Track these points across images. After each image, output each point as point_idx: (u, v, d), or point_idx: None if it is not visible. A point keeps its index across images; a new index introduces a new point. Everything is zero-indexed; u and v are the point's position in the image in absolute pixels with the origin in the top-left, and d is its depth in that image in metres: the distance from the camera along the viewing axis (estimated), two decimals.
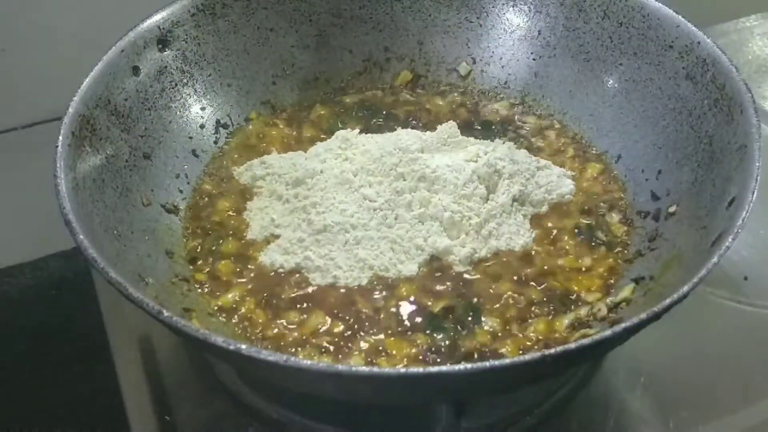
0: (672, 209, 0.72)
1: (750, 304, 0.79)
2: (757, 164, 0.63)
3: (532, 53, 0.88)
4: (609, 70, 0.83)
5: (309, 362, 0.53)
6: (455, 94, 0.90)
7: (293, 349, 0.66)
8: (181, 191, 0.78)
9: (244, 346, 0.52)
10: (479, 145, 0.80)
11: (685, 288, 0.56)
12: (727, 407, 0.72)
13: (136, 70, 0.77)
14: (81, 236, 0.59)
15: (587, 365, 0.74)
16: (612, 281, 0.71)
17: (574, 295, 0.70)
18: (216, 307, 0.69)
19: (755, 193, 0.61)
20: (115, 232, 0.67)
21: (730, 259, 0.77)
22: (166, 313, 0.54)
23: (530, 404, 0.71)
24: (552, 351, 0.51)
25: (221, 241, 0.74)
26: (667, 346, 0.74)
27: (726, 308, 0.78)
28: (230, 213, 0.77)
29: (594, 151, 0.82)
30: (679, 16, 0.77)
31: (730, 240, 0.58)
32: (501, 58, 0.89)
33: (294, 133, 0.86)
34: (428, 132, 0.82)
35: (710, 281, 0.74)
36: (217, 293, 0.70)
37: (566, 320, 0.68)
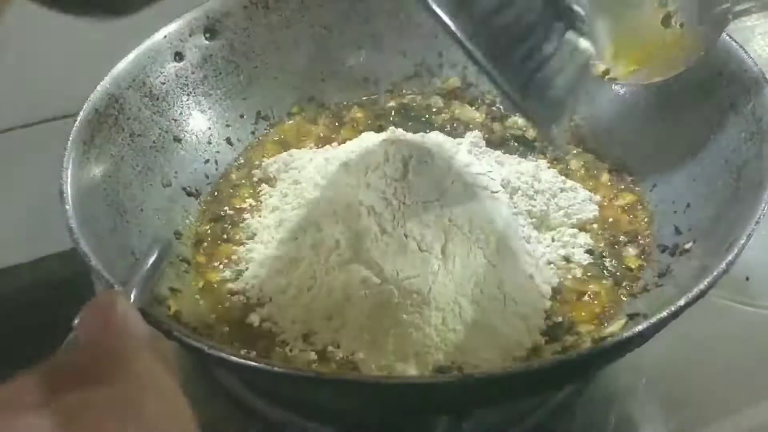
0: (688, 246, 0.67)
1: (752, 305, 0.76)
2: (763, 206, 0.58)
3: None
4: (659, 94, 0.78)
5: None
6: (500, 106, 0.87)
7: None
8: (207, 176, 0.80)
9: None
10: (504, 157, 0.78)
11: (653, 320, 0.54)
12: (729, 408, 0.70)
13: (178, 56, 0.80)
14: (68, 206, 0.63)
15: None
16: (611, 313, 0.67)
17: (568, 324, 0.67)
18: (202, 285, 0.71)
19: (750, 238, 0.56)
20: (121, 208, 0.70)
21: None
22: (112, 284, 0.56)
23: (530, 406, 0.70)
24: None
25: (231, 228, 0.76)
26: (668, 346, 0.70)
27: (727, 309, 0.76)
28: (250, 202, 0.79)
29: (629, 179, 0.78)
30: (732, 41, 0.72)
31: (705, 283, 0.54)
32: None
33: (332, 134, 0.86)
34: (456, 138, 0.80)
35: None
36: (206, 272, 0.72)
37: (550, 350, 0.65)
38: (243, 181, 0.81)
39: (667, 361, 0.72)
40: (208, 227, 0.76)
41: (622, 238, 0.73)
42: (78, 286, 0.79)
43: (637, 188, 0.77)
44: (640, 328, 0.54)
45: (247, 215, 0.77)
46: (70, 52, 0.88)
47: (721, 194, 0.67)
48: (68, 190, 0.64)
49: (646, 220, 0.74)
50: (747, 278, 0.77)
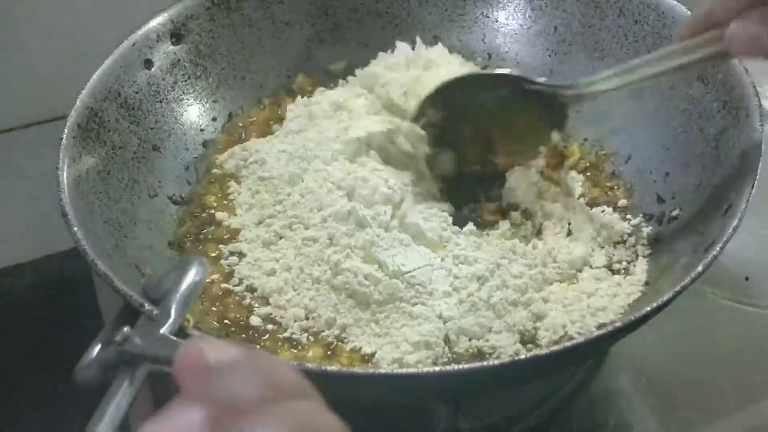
0: (675, 213, 0.71)
1: (751, 305, 0.78)
2: (756, 172, 0.62)
3: (547, 49, 0.87)
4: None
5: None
6: None
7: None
8: (189, 183, 0.79)
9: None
10: None
11: (666, 297, 0.55)
12: (728, 408, 0.72)
13: (148, 63, 0.79)
14: (75, 228, 0.61)
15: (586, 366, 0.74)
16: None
17: None
18: None
19: (749, 202, 0.59)
20: (116, 224, 0.69)
21: (732, 260, 0.77)
22: (147, 307, 0.56)
23: (530, 405, 0.71)
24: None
25: (210, 228, 0.75)
26: (667, 346, 0.74)
27: (727, 309, 0.78)
28: (221, 201, 0.78)
29: (604, 152, 0.81)
30: (689, 12, 0.75)
31: (717, 249, 0.57)
32: (517, 54, 0.88)
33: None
34: None
35: (711, 281, 0.76)
36: None
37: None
38: (212, 180, 0.80)
39: (667, 361, 0.73)
40: (186, 228, 0.75)
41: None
42: (78, 286, 0.83)
43: (611, 161, 0.80)
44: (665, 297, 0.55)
45: (221, 214, 0.76)
46: (70, 52, 0.87)
47: (701, 162, 0.71)
48: (71, 212, 0.63)
49: (623, 191, 0.78)
50: (747, 278, 0.79)
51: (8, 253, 0.89)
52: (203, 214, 0.76)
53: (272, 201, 0.75)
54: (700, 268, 0.56)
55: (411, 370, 0.60)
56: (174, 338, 0.50)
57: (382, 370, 0.61)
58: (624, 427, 0.71)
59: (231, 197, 0.78)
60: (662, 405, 0.71)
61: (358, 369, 0.62)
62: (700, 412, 0.71)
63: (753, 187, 0.60)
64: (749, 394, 0.72)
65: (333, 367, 0.59)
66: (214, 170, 0.80)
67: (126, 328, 0.48)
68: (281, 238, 0.72)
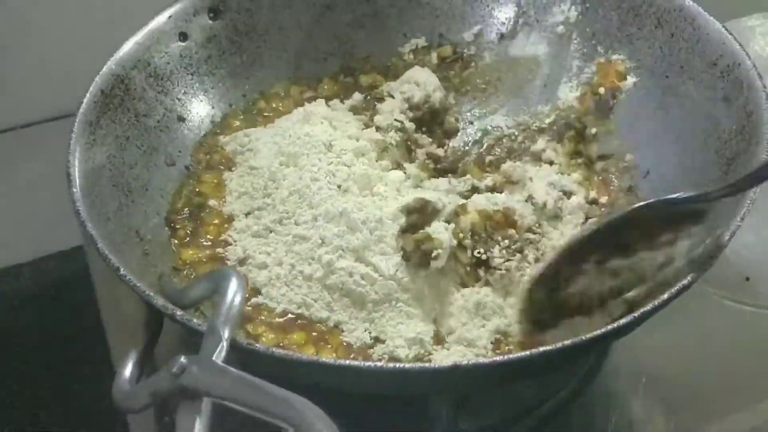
0: None
1: (752, 305, 0.77)
2: (748, 203, 0.60)
3: (584, 55, 0.85)
4: (655, 82, 0.79)
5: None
6: None
7: None
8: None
9: None
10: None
11: (664, 297, 0.56)
12: (729, 408, 0.71)
13: (183, 36, 0.81)
14: (75, 189, 0.64)
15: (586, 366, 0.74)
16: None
17: None
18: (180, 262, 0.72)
19: (738, 229, 0.58)
20: (126, 188, 0.72)
21: (732, 260, 0.75)
22: (122, 271, 0.58)
23: (531, 405, 0.72)
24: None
25: (205, 210, 0.77)
26: (668, 346, 0.74)
27: (728, 309, 0.77)
28: (216, 185, 0.79)
29: (625, 164, 0.79)
30: (728, 34, 0.73)
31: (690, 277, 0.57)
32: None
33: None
34: None
35: (712, 281, 0.75)
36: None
37: None
38: (210, 164, 0.81)
39: (667, 361, 0.73)
40: (179, 206, 0.77)
41: None
42: (78, 286, 0.84)
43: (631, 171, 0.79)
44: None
45: (213, 201, 0.77)
46: (70, 52, 0.89)
47: (711, 185, 0.68)
48: (75, 172, 0.66)
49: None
50: (747, 278, 0.78)
51: (8, 253, 0.90)
52: (197, 198, 0.78)
53: (261, 193, 0.75)
54: (685, 282, 0.57)
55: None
56: (236, 371, 0.49)
57: (373, 364, 0.61)
58: (624, 427, 0.72)
59: (226, 183, 0.79)
60: (662, 405, 0.72)
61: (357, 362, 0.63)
62: (700, 412, 0.71)
63: (744, 216, 0.59)
64: (749, 394, 0.72)
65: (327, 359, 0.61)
66: (214, 154, 0.81)
67: (182, 359, 0.48)
68: (271, 231, 0.73)
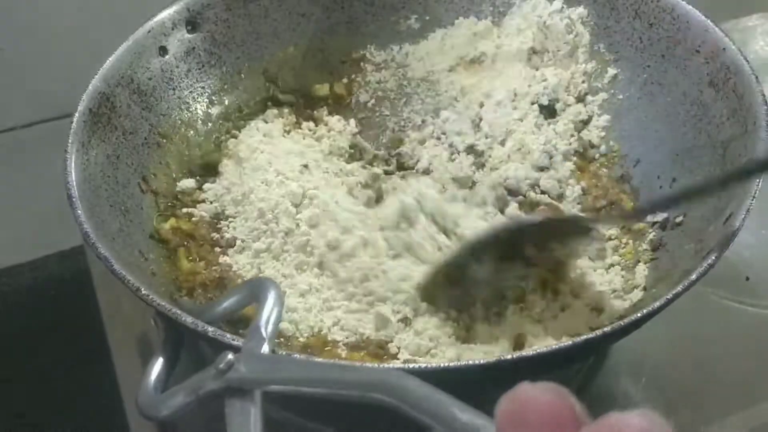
0: (679, 219, 0.71)
1: (752, 305, 0.78)
2: (757, 182, 0.61)
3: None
4: (637, 72, 0.81)
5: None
6: None
7: None
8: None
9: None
10: None
11: (657, 304, 0.55)
12: (729, 408, 0.71)
13: (163, 50, 0.79)
14: (79, 211, 0.62)
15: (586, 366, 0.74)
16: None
17: None
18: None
19: (749, 212, 0.59)
20: (123, 208, 0.70)
21: (732, 260, 0.75)
22: (143, 291, 0.57)
23: None
24: None
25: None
26: (668, 346, 0.74)
27: (728, 309, 0.77)
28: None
29: (615, 153, 0.81)
30: (708, 21, 0.75)
31: (713, 258, 0.57)
32: None
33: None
34: None
35: (712, 282, 0.74)
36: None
37: None
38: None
39: (667, 361, 0.73)
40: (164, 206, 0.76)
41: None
42: (78, 286, 0.82)
43: (622, 161, 0.80)
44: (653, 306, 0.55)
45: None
46: (70, 51, 0.87)
47: (708, 169, 0.70)
48: (76, 193, 0.64)
49: (631, 195, 0.77)
50: (747, 278, 0.78)
51: (8, 253, 0.90)
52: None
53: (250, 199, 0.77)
54: (693, 276, 0.56)
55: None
56: (288, 355, 0.49)
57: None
58: None
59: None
60: (662, 405, 0.71)
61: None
62: (700, 412, 0.71)
63: (754, 197, 0.60)
64: (749, 394, 0.72)
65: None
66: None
67: (229, 355, 0.47)
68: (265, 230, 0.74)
